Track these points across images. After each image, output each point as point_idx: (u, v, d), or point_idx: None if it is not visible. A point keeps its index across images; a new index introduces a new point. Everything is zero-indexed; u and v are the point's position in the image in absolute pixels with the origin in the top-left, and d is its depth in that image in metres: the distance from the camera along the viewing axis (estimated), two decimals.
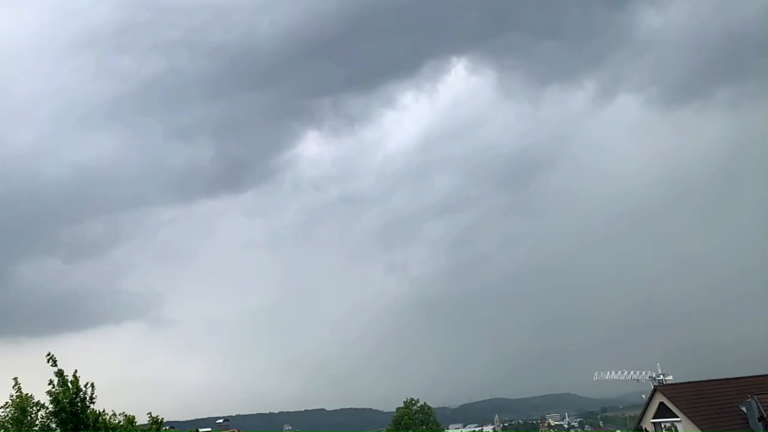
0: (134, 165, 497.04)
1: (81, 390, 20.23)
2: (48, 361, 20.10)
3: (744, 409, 43.30)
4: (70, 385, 20.00)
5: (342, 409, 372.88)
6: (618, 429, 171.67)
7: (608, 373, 65.89)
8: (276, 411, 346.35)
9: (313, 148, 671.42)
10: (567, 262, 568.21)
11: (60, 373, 20.02)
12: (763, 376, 47.01)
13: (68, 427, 19.74)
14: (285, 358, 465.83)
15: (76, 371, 20.24)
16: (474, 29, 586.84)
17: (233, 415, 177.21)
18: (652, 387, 48.35)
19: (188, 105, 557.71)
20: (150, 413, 23.01)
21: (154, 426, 22.59)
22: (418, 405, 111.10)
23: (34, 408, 21.64)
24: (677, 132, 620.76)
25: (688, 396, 45.38)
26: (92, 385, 20.59)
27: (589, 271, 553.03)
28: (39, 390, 21.01)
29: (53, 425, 20.91)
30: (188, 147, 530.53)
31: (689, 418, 43.35)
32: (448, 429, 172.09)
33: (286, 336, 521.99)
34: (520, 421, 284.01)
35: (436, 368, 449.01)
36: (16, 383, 21.48)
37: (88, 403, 20.38)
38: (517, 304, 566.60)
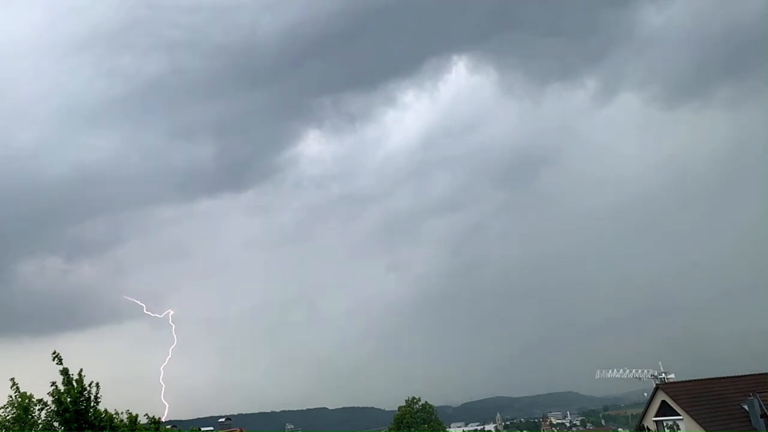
0: (135, 164, 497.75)
1: (85, 389, 20.07)
2: (53, 360, 19.94)
3: (746, 407, 43.20)
4: (74, 384, 19.84)
5: (344, 407, 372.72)
6: (620, 427, 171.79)
7: (610, 371, 65.99)
8: (278, 410, 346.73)
9: (314, 147, 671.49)
10: (568, 260, 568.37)
11: (65, 372, 19.87)
12: (765, 374, 46.90)
13: (72, 427, 19.60)
14: (287, 358, 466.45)
15: (81, 370, 20.08)
16: (475, 28, 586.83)
17: (235, 414, 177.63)
18: (654, 385, 48.29)
19: (189, 104, 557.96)
20: (147, 414, 22.97)
21: (152, 426, 22.56)
22: (420, 404, 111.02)
23: (37, 407, 21.48)
24: (678, 129, 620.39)
25: (690, 394, 45.26)
26: (97, 385, 20.38)
27: (590, 268, 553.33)
28: (42, 389, 20.89)
29: (56, 424, 20.80)
30: (190, 146, 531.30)
31: (691, 416, 43.26)
32: (449, 428, 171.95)
33: (288, 335, 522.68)
34: (522, 419, 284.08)
35: (437, 367, 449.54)
36: (14, 383, 21.35)
37: (92, 403, 20.21)
38: (518, 303, 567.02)
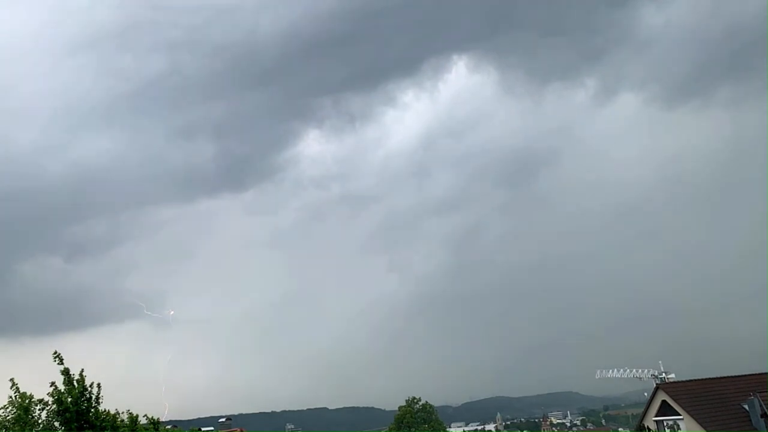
0: (135, 164, 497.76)
1: (87, 389, 20.09)
2: (54, 360, 19.97)
3: (746, 407, 43.20)
4: (75, 384, 19.85)
5: (344, 407, 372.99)
6: (620, 427, 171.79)
7: (610, 371, 66.11)
8: (278, 410, 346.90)
9: (314, 147, 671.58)
10: (568, 260, 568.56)
11: (66, 372, 19.89)
12: (765, 374, 46.88)
13: (72, 427, 19.61)
14: (287, 357, 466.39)
15: (82, 370, 20.11)
16: (475, 27, 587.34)
17: (235, 413, 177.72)
18: (655, 385, 48.30)
19: (189, 104, 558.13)
20: (146, 414, 22.96)
21: (152, 426, 22.57)
22: (420, 404, 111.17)
23: (37, 407, 21.44)
24: (678, 129, 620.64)
25: (691, 394, 45.26)
26: (99, 385, 20.42)
27: (590, 269, 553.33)
28: (42, 389, 20.87)
29: (56, 424, 20.79)
30: (190, 146, 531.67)
31: (691, 416, 43.25)
32: (450, 428, 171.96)
33: (288, 335, 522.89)
34: (522, 419, 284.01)
35: (438, 367, 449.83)
36: (14, 384, 21.34)
37: (93, 403, 20.24)
38: (519, 303, 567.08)
